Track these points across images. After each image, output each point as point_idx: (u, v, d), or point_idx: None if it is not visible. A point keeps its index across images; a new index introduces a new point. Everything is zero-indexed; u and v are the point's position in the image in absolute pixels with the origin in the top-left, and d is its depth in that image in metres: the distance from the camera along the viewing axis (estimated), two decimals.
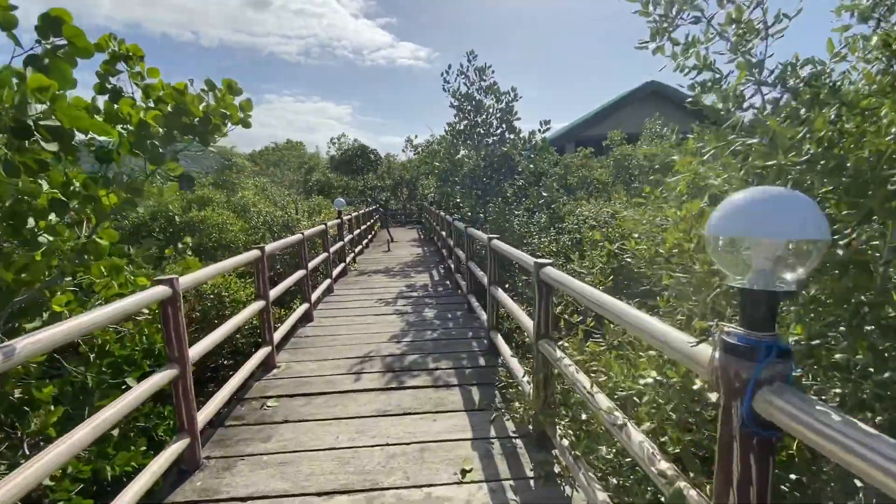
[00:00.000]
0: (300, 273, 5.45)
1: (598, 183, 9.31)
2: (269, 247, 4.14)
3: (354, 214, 11.16)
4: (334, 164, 23.49)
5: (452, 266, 7.70)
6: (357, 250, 11.14)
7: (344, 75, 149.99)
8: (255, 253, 3.84)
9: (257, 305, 3.86)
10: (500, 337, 4.08)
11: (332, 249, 7.41)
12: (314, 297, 6.02)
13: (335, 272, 7.79)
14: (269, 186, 11.36)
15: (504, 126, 8.13)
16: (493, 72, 8.63)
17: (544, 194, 8.39)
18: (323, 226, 7.07)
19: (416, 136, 12.45)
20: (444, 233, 9.89)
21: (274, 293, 4.29)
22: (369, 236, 15.05)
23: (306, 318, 5.71)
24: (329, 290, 7.27)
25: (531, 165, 8.62)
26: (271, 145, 52.93)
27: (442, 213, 10.03)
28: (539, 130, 7.94)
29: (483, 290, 5.67)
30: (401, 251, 12.69)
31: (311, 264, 5.94)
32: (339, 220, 8.53)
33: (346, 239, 9.24)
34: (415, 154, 12.79)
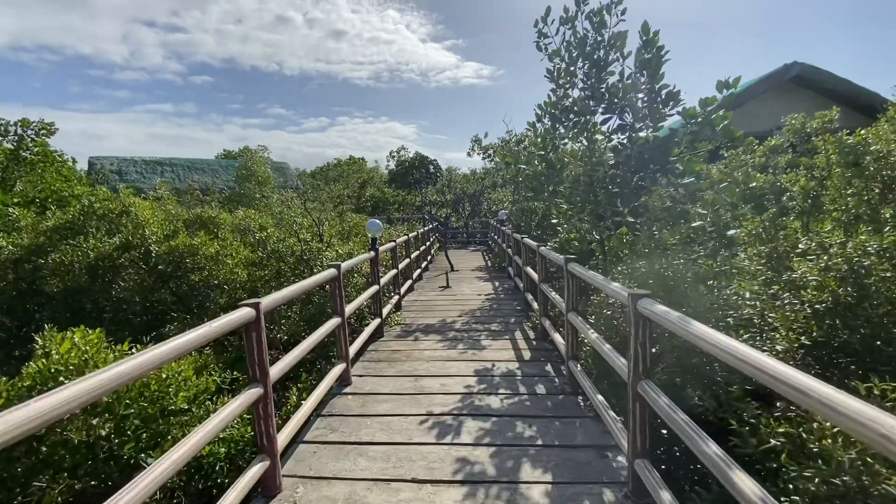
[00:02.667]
0: (241, 401, 2.35)
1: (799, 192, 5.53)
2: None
3: (402, 239, 8.13)
4: (391, 177, 21.04)
5: (564, 349, 4.33)
6: (404, 289, 8.07)
7: (411, 96, 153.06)
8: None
9: None
10: None
11: (349, 310, 4.30)
12: (290, 429, 2.91)
13: (355, 346, 4.66)
14: (296, 201, 8.67)
15: (645, 95, 4.67)
16: (622, 11, 5.24)
17: (703, 212, 4.80)
18: (334, 270, 4.00)
19: (485, 135, 9.46)
20: (529, 269, 6.57)
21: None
22: (424, 263, 12.01)
23: (263, 487, 2.60)
24: (343, 382, 4.16)
25: (677, 166, 5.06)
26: (333, 162, 52.91)
27: (526, 240, 6.71)
28: (725, 94, 4.31)
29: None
30: (464, 288, 9.46)
31: (278, 368, 2.83)
32: (371, 254, 5.47)
33: (384, 279, 6.16)
34: (483, 157, 9.84)
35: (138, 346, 3.55)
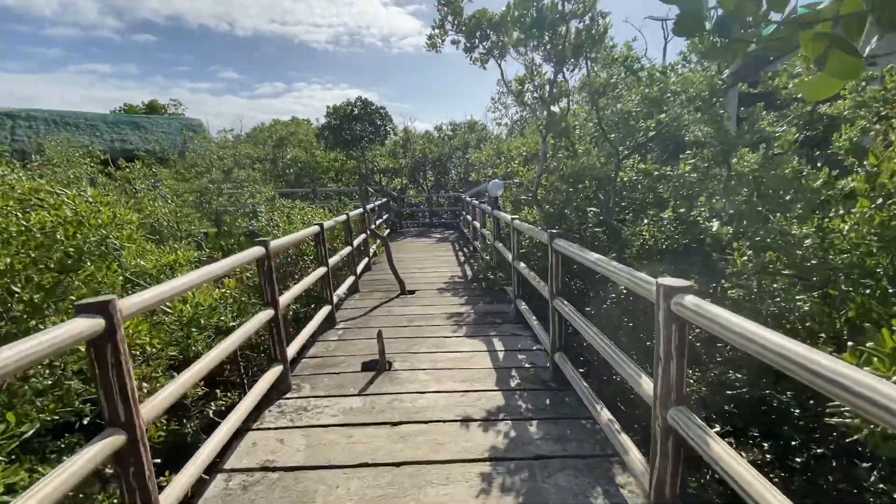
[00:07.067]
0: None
1: None
2: None
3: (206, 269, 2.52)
4: (321, 131, 14.97)
5: None
6: (230, 425, 2.53)
7: (372, 62, 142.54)
8: None
9: None
10: None
11: None
12: None
13: None
14: None
15: None
16: None
17: None
18: None
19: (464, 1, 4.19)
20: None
21: None
22: (348, 282, 6.40)
23: None
24: None
25: None
26: (269, 122, 44.83)
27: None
28: None
29: None
30: (422, 371, 3.98)
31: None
32: None
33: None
34: (465, 46, 4.46)
35: None
